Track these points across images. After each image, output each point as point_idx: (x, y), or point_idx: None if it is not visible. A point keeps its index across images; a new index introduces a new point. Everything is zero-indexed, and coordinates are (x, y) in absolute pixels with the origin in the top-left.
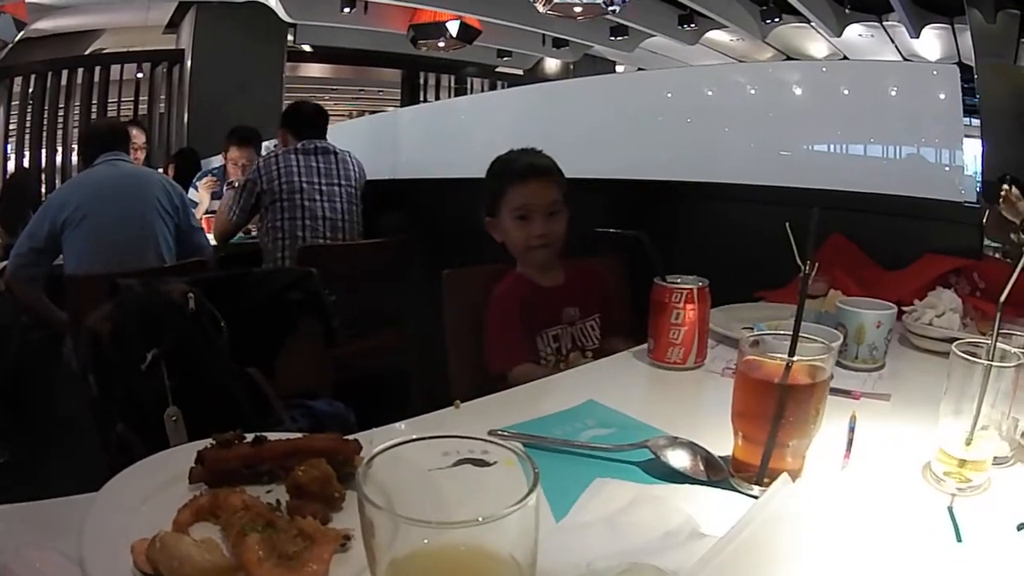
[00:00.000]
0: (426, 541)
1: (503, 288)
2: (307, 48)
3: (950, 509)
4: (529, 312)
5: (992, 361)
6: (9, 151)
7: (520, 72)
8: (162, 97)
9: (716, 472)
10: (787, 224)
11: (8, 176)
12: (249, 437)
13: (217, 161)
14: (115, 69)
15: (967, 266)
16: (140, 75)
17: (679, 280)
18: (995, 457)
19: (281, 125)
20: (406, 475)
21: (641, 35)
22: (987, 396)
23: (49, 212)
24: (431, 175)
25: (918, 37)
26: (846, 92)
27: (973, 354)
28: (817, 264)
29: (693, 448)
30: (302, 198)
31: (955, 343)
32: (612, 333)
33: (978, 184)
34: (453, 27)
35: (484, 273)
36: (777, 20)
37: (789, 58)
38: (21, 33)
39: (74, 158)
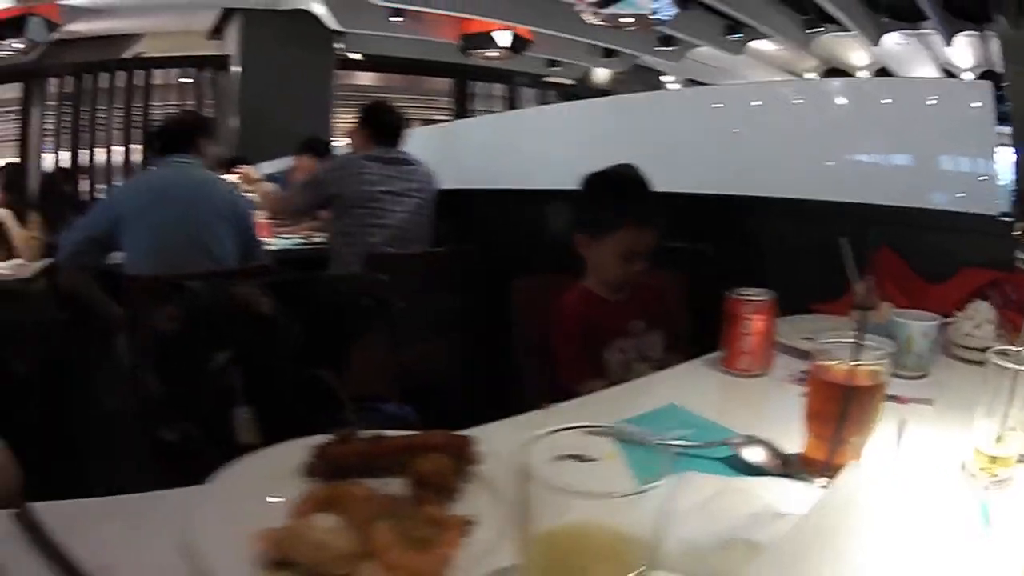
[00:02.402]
0: (572, 516)
1: (570, 301)
2: (356, 56)
3: (981, 499)
4: (597, 325)
5: (1020, 367)
6: (46, 150)
7: (570, 82)
8: (208, 102)
9: (788, 466)
10: (842, 240)
11: (45, 175)
12: (365, 434)
13: (268, 167)
14: (157, 73)
15: (1001, 279)
16: (185, 80)
17: (748, 293)
18: (1020, 455)
19: (361, 125)
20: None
21: (688, 45)
22: (1016, 399)
23: (109, 206)
24: (490, 186)
25: (951, 45)
26: (885, 104)
27: (1003, 361)
28: (873, 279)
29: (767, 445)
30: (377, 206)
31: (988, 351)
32: (674, 344)
33: (1012, 195)
34: (503, 37)
35: (554, 283)
36: (819, 29)
37: (832, 67)
38: (54, 35)
39: (116, 158)
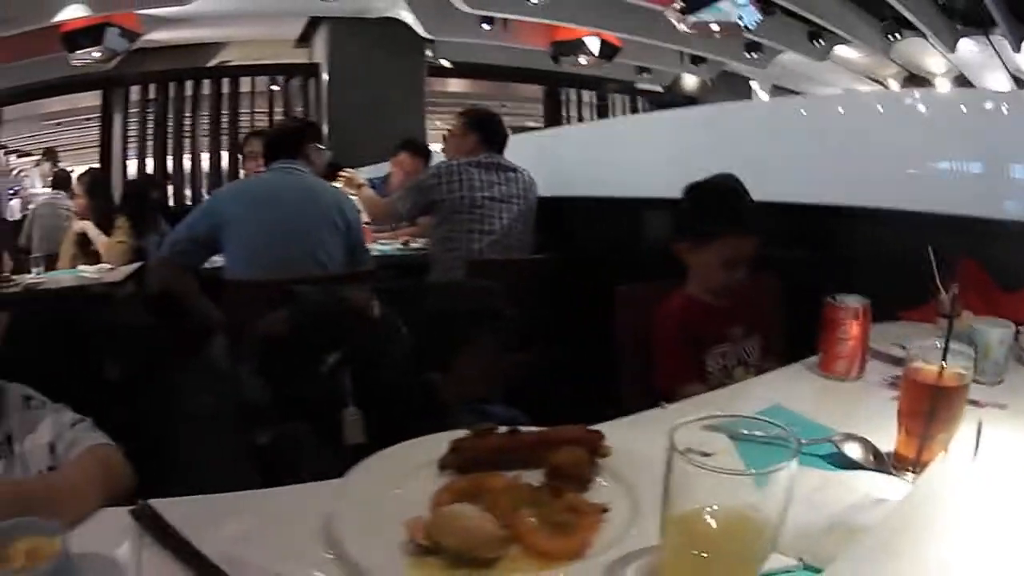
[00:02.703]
0: (708, 499)
1: (673, 307)
2: (446, 64)
3: None
4: (698, 331)
5: None
6: (131, 156)
7: (659, 89)
8: (299, 109)
9: (881, 462)
10: (928, 250)
11: (131, 181)
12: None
13: (366, 172)
14: (244, 81)
15: None
16: (275, 88)
17: (845, 299)
18: None
19: (467, 131)
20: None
21: (774, 51)
22: None
23: (213, 208)
24: (587, 193)
25: (1020, 51)
26: (962, 114)
27: None
28: (957, 287)
29: (864, 443)
30: (480, 212)
31: None
32: (771, 349)
33: None
34: (593, 44)
35: (656, 290)
36: (898, 36)
37: (911, 74)
38: (134, 44)
39: (204, 164)
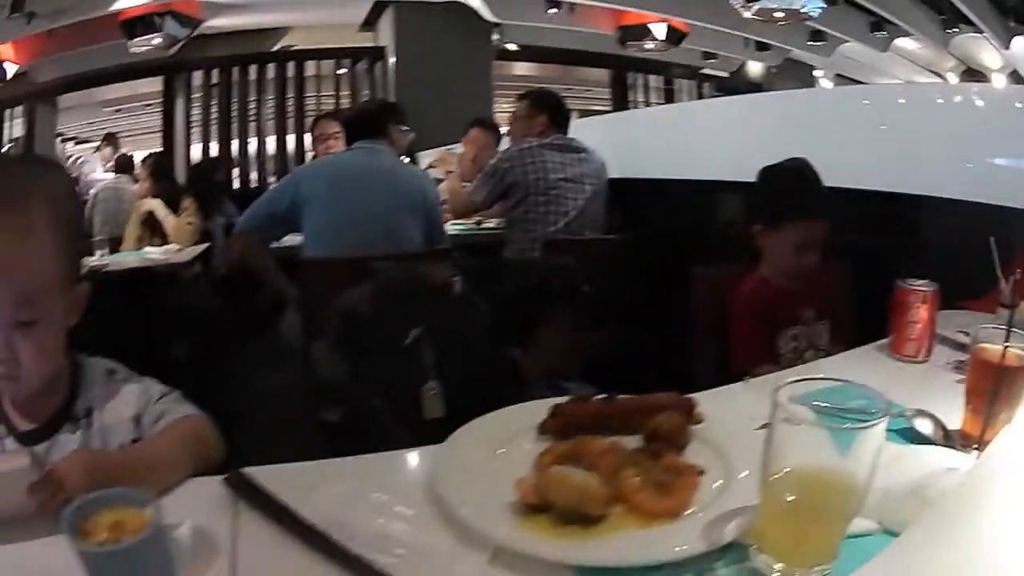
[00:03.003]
0: (805, 461)
1: (747, 289)
2: (513, 47)
3: None
4: (771, 313)
5: None
6: (193, 141)
7: (725, 74)
8: (365, 93)
9: (949, 439)
10: (991, 240)
11: (196, 164)
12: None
13: (433, 156)
14: (309, 65)
15: None
16: (342, 71)
17: (915, 283)
18: None
19: (532, 113)
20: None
21: (837, 41)
22: None
23: (294, 185)
24: (657, 176)
25: None
26: (1018, 109)
27: None
28: (1017, 278)
29: (934, 420)
30: (555, 194)
31: None
32: (840, 333)
33: None
34: (659, 29)
35: (730, 272)
36: (956, 30)
37: (968, 68)
38: (194, 31)
39: (269, 148)
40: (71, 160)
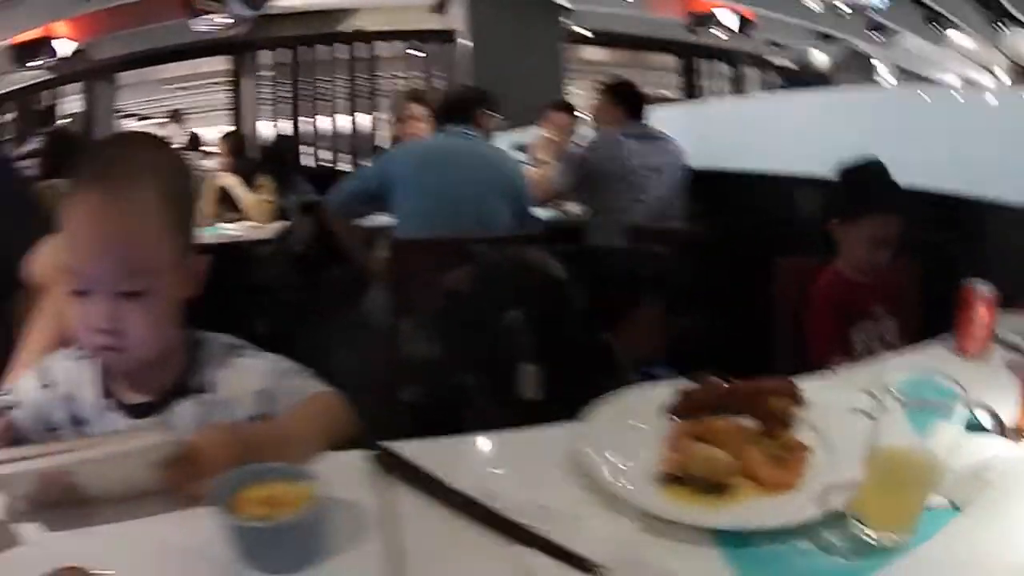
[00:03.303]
0: (898, 441)
1: (824, 283)
2: (583, 31)
3: None
4: (846, 307)
5: None
6: (263, 119)
7: (790, 64)
8: (436, 75)
9: (1006, 432)
10: None
11: (269, 142)
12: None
13: (503, 140)
14: (380, 46)
15: None
16: (414, 53)
17: (980, 284)
18: None
19: (609, 101)
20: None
21: (894, 32)
22: None
23: (386, 165)
24: (733, 167)
25: None
26: None
27: None
28: None
29: (993, 413)
30: (636, 181)
31: None
32: (908, 329)
33: None
34: (727, 17)
35: (812, 264)
36: (1003, 26)
37: (1016, 64)
38: (259, 10)
39: (341, 126)
40: None
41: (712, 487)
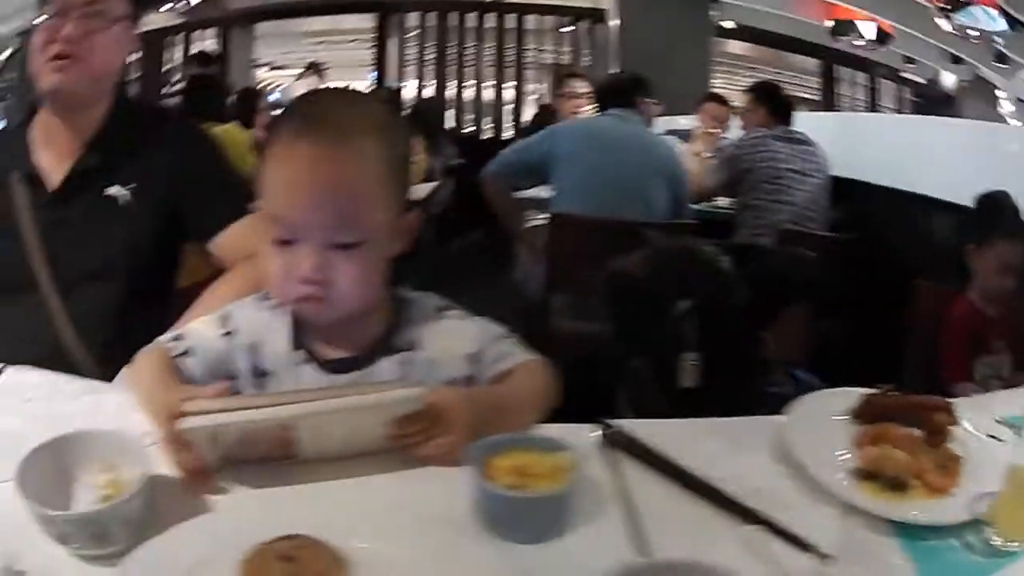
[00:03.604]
0: None
1: (960, 312)
2: (730, 25)
3: None
4: (974, 337)
5: None
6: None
7: (921, 80)
8: (585, 52)
9: None
10: None
11: (417, 103)
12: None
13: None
14: (529, 19)
15: None
16: (565, 29)
17: None
18: None
19: (760, 102)
20: None
21: (1018, 65)
22: None
23: (547, 140)
24: (875, 181)
25: None
26: None
27: None
28: None
29: None
30: (782, 184)
31: None
32: (1020, 365)
33: None
34: (867, 28)
35: (948, 290)
36: None
37: None
38: None
39: (487, 95)
40: (262, 85)
41: (896, 485)
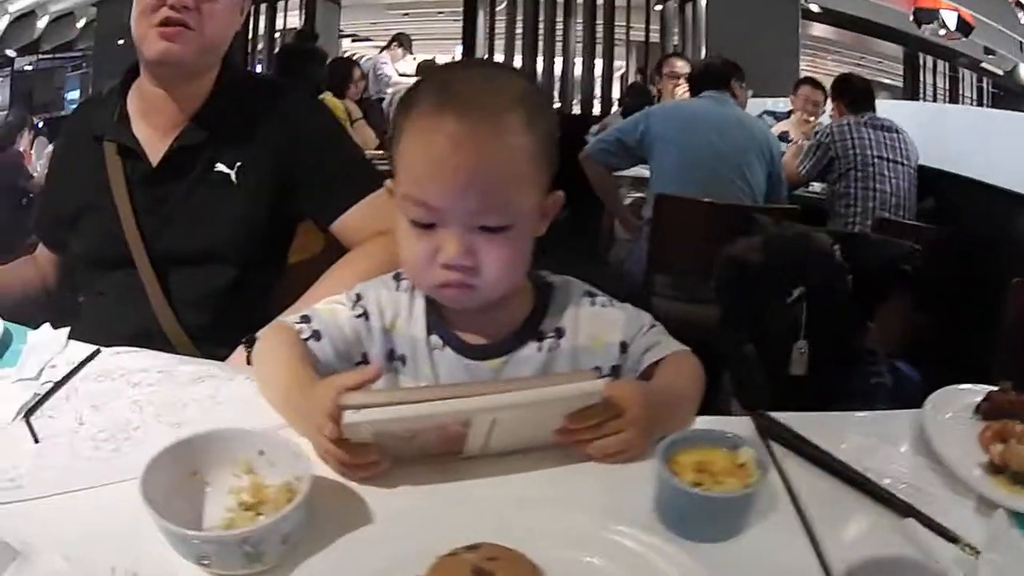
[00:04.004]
0: None
1: None
2: (815, 8)
3: None
4: None
5: None
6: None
7: (999, 72)
8: (675, 31)
9: None
10: None
11: None
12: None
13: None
14: None
15: None
16: (658, 7)
17: None
18: None
19: (846, 89)
20: None
21: None
22: None
23: (645, 121)
24: (964, 173)
25: None
26: None
27: None
28: None
29: None
30: (873, 171)
31: None
32: None
33: None
34: (950, 17)
35: None
36: None
37: None
38: None
39: (577, 70)
40: (349, 56)
41: (1020, 479)
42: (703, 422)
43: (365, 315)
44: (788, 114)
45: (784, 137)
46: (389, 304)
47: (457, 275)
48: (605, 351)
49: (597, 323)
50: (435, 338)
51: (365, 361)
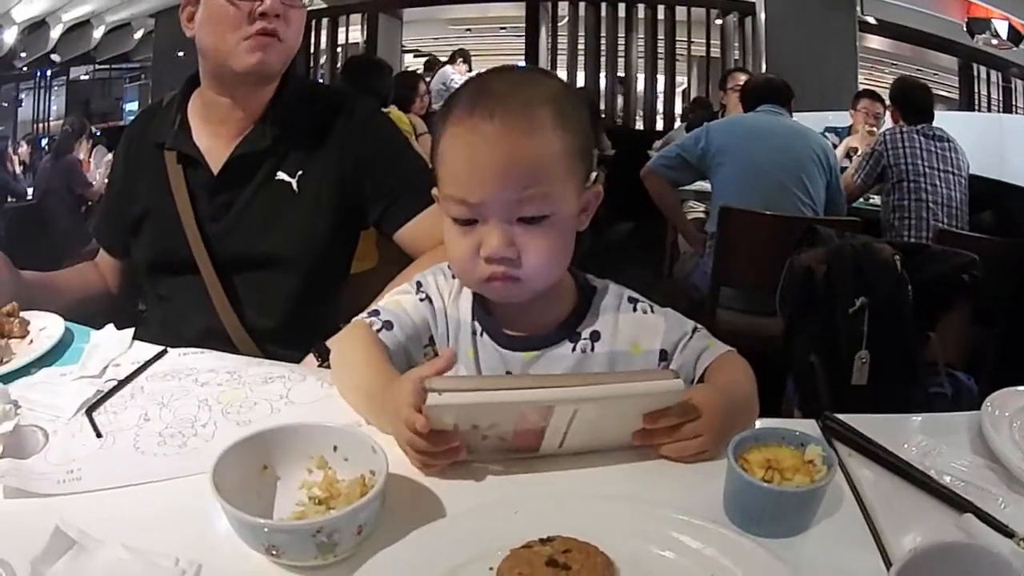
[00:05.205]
0: None
1: None
2: (872, 20)
3: None
4: None
5: None
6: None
7: None
8: (735, 45)
9: None
10: None
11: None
12: None
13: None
14: (680, 11)
15: None
16: (718, 22)
17: None
18: None
19: (904, 99)
20: None
21: None
22: None
23: (705, 136)
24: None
25: None
26: None
27: None
28: None
29: None
30: (926, 181)
31: None
32: None
33: None
34: (1002, 27)
35: None
36: None
37: None
38: None
39: (639, 86)
40: (415, 71)
41: None
42: (770, 423)
43: (428, 299)
44: (848, 129)
45: (853, 153)
46: (444, 287)
47: (501, 268)
48: (643, 358)
49: (637, 329)
50: (475, 323)
51: (431, 344)
